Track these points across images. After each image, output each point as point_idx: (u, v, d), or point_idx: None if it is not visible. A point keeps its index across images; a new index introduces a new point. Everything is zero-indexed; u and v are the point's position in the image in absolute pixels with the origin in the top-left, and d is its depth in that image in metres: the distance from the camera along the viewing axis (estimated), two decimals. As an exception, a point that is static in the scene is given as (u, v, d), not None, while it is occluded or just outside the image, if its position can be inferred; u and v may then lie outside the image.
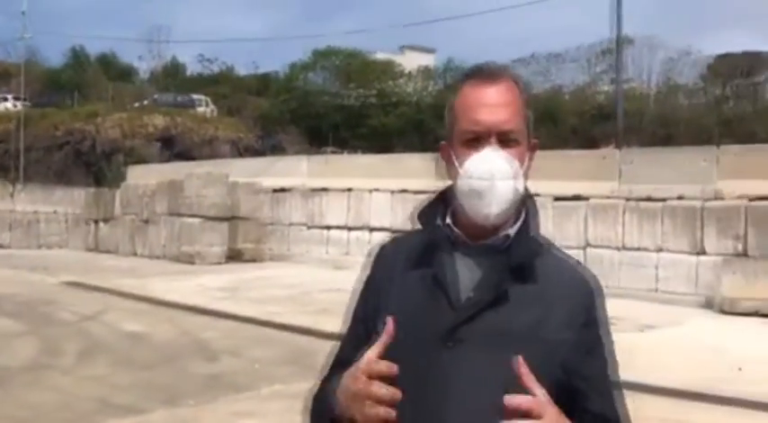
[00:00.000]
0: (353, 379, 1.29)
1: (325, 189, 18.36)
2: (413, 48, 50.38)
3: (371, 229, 16.95)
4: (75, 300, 12.31)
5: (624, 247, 13.34)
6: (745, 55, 37.38)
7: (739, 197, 12.35)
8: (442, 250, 1.42)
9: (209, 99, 40.38)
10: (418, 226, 1.49)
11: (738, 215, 12.24)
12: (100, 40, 75.21)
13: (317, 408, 1.46)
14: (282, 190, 19.21)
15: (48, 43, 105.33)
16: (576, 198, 13.94)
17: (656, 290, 12.85)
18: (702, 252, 12.53)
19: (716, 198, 12.61)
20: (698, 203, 12.68)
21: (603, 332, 1.44)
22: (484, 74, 1.43)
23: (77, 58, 46.73)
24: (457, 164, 1.40)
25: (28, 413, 6.32)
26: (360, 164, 19.90)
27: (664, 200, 13.02)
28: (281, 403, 6.45)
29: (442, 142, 1.47)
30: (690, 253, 12.64)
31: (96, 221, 21.52)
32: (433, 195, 1.51)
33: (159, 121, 34.62)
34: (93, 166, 32.23)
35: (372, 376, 1.27)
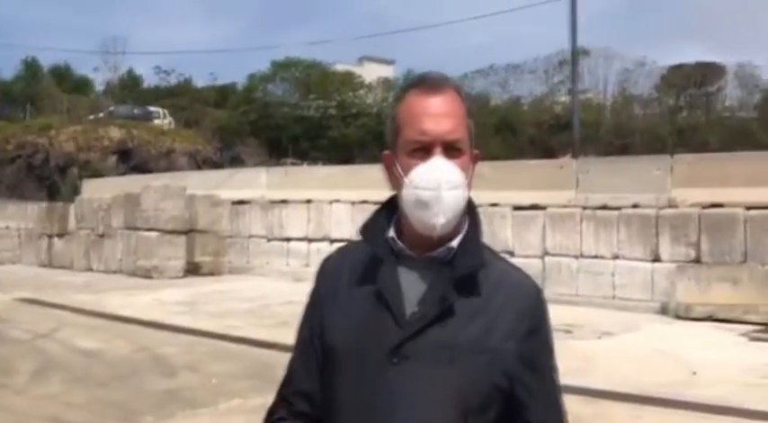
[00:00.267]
0: None
1: (284, 201, 18.26)
2: (372, 59, 50.64)
3: (332, 241, 16.89)
4: (29, 317, 12.01)
5: (582, 255, 13.51)
6: (698, 65, 38.31)
7: (693, 205, 12.61)
8: (385, 264, 1.41)
9: (166, 111, 39.92)
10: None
11: (692, 223, 12.50)
12: (53, 52, 73.88)
13: None
14: (242, 202, 19.05)
15: None
16: (535, 207, 14.10)
17: (614, 297, 13.04)
18: (658, 259, 12.76)
19: (670, 206, 12.86)
20: (653, 212, 12.91)
21: (547, 340, 1.45)
22: (427, 83, 1.42)
23: (30, 69, 45.85)
24: (402, 174, 1.39)
25: (-23, 435, 6.13)
26: (320, 175, 19.85)
27: (619, 208, 13.24)
28: (240, 418, 6.36)
29: (385, 152, 1.46)
30: (645, 260, 12.86)
31: (50, 236, 21.06)
32: (375, 208, 1.50)
33: (115, 133, 34.07)
34: (47, 180, 31.58)
35: None
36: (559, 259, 13.67)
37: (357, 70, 46.37)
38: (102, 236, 19.32)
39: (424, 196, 1.35)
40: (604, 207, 13.40)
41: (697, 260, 12.32)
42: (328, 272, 1.52)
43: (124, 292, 14.54)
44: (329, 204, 17.35)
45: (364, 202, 15.86)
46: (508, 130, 37.79)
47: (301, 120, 41.19)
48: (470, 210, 1.45)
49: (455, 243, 1.41)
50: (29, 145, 33.10)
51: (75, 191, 25.24)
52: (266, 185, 19.45)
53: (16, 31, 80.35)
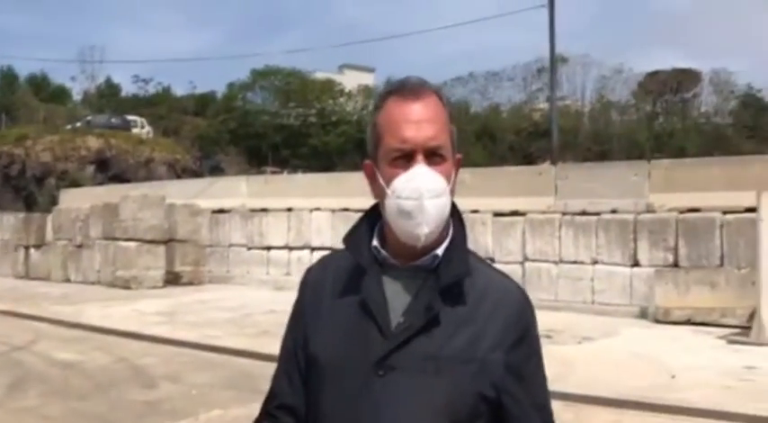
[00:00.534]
0: None
1: (265, 209, 18.19)
2: (352, 67, 50.70)
3: (313, 249, 16.86)
4: (5, 329, 11.84)
5: (561, 261, 13.59)
6: (673, 72, 38.76)
7: (670, 210, 12.74)
8: (369, 274, 1.38)
9: (144, 120, 39.66)
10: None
11: (670, 227, 12.62)
12: (30, 61, 73.20)
13: None
14: (221, 211, 18.96)
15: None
16: (515, 214, 14.16)
17: (593, 302, 13.12)
18: (636, 264, 12.87)
19: (648, 211, 12.98)
20: (631, 217, 13.02)
21: (536, 348, 1.42)
22: (407, 89, 1.38)
23: (6, 79, 45.39)
24: (384, 183, 1.36)
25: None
26: (300, 183, 19.80)
27: (598, 214, 13.34)
28: (221, 429, 6.31)
29: (366, 161, 1.43)
30: (624, 265, 12.96)
31: (27, 247, 20.79)
32: (359, 217, 1.48)
33: (93, 143, 33.76)
34: (24, 191, 31.23)
35: None
36: (539, 265, 13.73)
37: (337, 78, 46.41)
38: (80, 246, 19.11)
39: (406, 206, 1.32)
40: (583, 213, 13.50)
41: (675, 264, 12.44)
42: (311, 283, 1.49)
43: (103, 303, 14.39)
44: (310, 212, 17.31)
45: (345, 209, 15.86)
46: (488, 137, 37.98)
47: (281, 128, 41.12)
48: (455, 215, 1.42)
49: (440, 251, 1.38)
50: (5, 155, 32.72)
51: (53, 201, 24.97)
52: (246, 194, 19.38)
53: (-8, 41, 79.53)
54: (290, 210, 17.67)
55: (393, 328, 1.34)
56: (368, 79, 48.11)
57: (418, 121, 1.35)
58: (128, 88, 50.75)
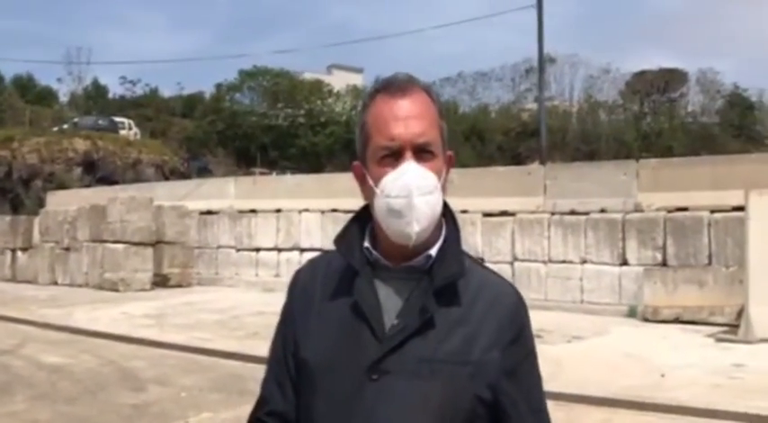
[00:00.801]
0: None
1: (253, 211, 18.14)
2: (341, 67, 50.69)
3: (302, 250, 16.82)
4: (-9, 333, 11.74)
5: (550, 261, 13.62)
6: (660, 72, 39.02)
7: (658, 209, 12.80)
8: (361, 276, 1.35)
9: (132, 122, 39.48)
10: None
11: (658, 226, 12.68)
12: (16, 63, 72.62)
13: None
14: (210, 212, 18.88)
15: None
16: (504, 214, 14.18)
17: (582, 301, 13.16)
18: (625, 263, 12.91)
19: (636, 210, 13.04)
20: (619, 216, 13.07)
21: (531, 348, 1.40)
22: (394, 86, 1.35)
23: (-9, 80, 45.09)
24: (373, 183, 1.33)
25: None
26: (289, 184, 19.75)
27: (587, 213, 13.38)
28: (210, 431, 6.27)
29: (355, 162, 1.40)
30: (613, 264, 13.01)
31: (14, 250, 20.65)
32: (349, 219, 1.44)
33: (80, 145, 33.55)
34: (10, 193, 31.00)
35: None
36: (528, 265, 13.76)
37: (326, 79, 46.38)
38: (67, 249, 18.98)
39: (395, 205, 1.29)
40: (572, 212, 13.53)
41: (663, 263, 12.49)
42: (300, 285, 1.45)
43: (90, 306, 14.29)
44: (299, 214, 17.27)
45: (334, 210, 15.84)
46: (476, 138, 38.08)
47: (270, 129, 41.04)
48: (448, 214, 1.39)
49: (433, 251, 1.35)
50: (-10, 157, 32.46)
51: (40, 203, 24.79)
52: (234, 195, 19.31)
53: (-23, 42, 78.85)
54: (278, 211, 17.63)
55: (387, 330, 1.30)
56: (356, 80, 48.09)
57: (406, 117, 1.32)
58: (115, 90, 50.61)
